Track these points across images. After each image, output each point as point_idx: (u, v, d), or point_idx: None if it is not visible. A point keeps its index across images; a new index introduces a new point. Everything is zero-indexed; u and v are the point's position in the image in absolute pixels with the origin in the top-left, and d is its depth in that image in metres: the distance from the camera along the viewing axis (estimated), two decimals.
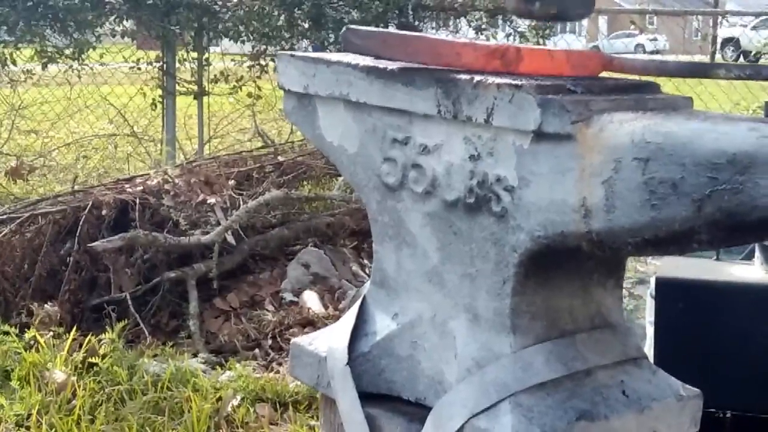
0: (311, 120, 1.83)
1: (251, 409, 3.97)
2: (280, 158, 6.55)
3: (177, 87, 8.23)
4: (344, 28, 1.71)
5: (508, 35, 8.49)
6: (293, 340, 1.90)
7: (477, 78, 1.53)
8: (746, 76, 1.56)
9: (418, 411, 1.66)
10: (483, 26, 8.40)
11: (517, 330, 1.54)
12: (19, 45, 7.84)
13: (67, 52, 7.93)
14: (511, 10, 1.71)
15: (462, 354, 1.60)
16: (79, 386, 3.95)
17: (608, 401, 1.54)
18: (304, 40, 8.14)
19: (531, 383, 1.51)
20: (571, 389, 1.53)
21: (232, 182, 5.77)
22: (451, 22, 9.04)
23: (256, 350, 4.81)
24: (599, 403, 1.53)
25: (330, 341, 1.78)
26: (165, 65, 8.22)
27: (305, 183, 6.53)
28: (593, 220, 1.40)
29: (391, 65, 1.67)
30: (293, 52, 1.88)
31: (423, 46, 1.64)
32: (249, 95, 8.30)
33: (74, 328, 4.43)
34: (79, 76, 8.36)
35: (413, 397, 1.69)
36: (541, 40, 8.38)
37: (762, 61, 13.89)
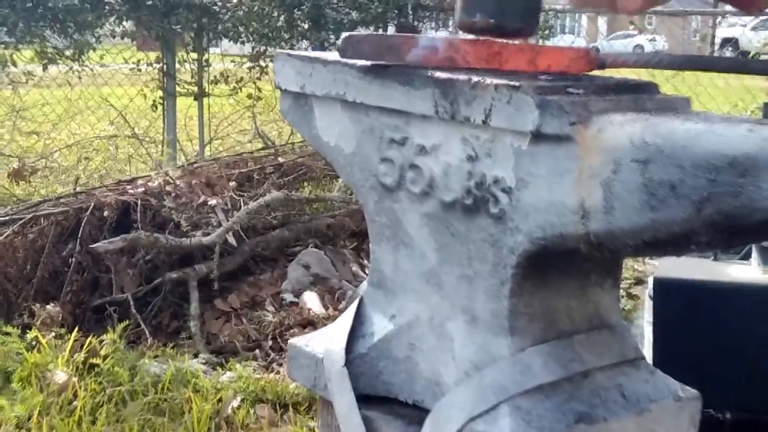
0: (308, 120, 1.82)
1: (251, 410, 3.97)
2: (281, 159, 6.55)
3: (177, 88, 8.23)
4: (344, 37, 1.70)
5: None
6: (290, 341, 1.89)
7: (475, 78, 1.52)
8: (738, 68, 1.55)
9: (416, 413, 1.65)
10: None
11: (515, 332, 1.54)
12: (19, 46, 7.85)
13: (67, 53, 7.94)
14: (458, 26, 1.75)
15: (460, 356, 1.59)
16: (80, 387, 3.95)
17: (607, 403, 1.54)
18: (304, 40, 8.14)
19: (529, 386, 1.50)
20: (569, 392, 1.52)
21: (232, 183, 5.78)
22: (450, 22, 9.04)
23: (257, 351, 4.81)
24: (598, 405, 1.53)
25: (327, 342, 1.77)
26: (165, 66, 8.22)
27: (305, 184, 6.53)
28: (592, 221, 1.39)
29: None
30: (290, 51, 1.87)
31: (405, 45, 1.64)
32: (249, 96, 8.30)
33: (76, 328, 4.43)
34: (80, 78, 8.36)
35: (411, 399, 1.68)
36: (541, 41, 8.37)
37: None
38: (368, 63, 1.71)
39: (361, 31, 8.14)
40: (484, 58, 1.58)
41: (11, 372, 4.14)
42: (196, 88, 8.25)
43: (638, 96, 1.51)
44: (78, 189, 5.87)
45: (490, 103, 1.49)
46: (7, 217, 5.30)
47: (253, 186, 6.01)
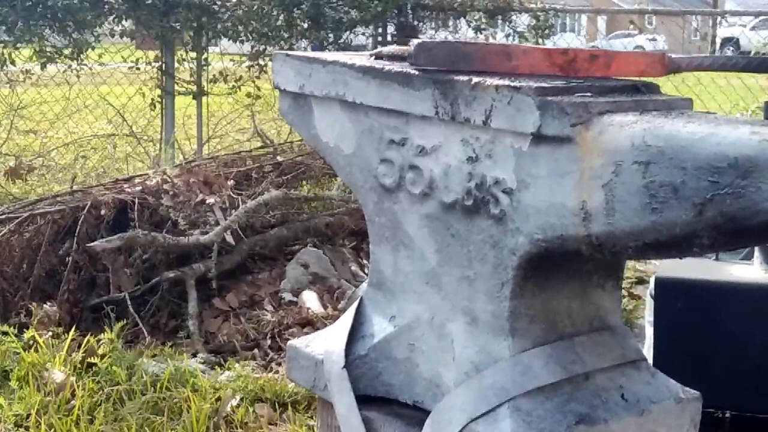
0: (307, 120, 1.82)
1: (250, 409, 3.96)
2: (279, 158, 6.54)
3: (176, 87, 8.22)
4: (416, 44, 1.67)
5: (507, 35, 8.48)
6: (290, 342, 1.89)
7: (475, 79, 1.52)
8: None
9: (416, 414, 1.65)
10: (482, 26, 8.39)
11: (515, 333, 1.54)
12: (18, 45, 7.83)
13: (66, 52, 7.92)
14: None
15: (460, 357, 1.59)
16: (78, 386, 3.94)
17: (607, 405, 1.54)
18: (303, 39, 8.13)
19: (530, 387, 1.50)
20: (569, 393, 1.52)
21: (231, 182, 5.76)
22: (450, 23, 9.03)
23: (255, 350, 4.80)
24: (598, 406, 1.53)
25: (327, 344, 1.77)
26: (164, 65, 8.21)
27: (304, 183, 6.51)
28: (593, 223, 1.39)
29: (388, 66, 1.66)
30: (289, 52, 1.87)
31: (494, 54, 1.61)
32: (248, 95, 8.29)
33: (73, 328, 4.41)
34: (78, 76, 8.35)
35: (411, 400, 1.68)
36: (540, 40, 8.36)
37: None
38: (367, 61, 1.71)
39: (359, 30, 8.14)
40: (558, 65, 1.56)
41: (9, 371, 4.13)
42: (194, 87, 8.24)
43: (640, 97, 1.50)
44: (75, 187, 5.85)
45: (490, 104, 1.49)
46: (4, 216, 5.28)
47: (252, 185, 5.99)
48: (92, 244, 4.93)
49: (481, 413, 1.51)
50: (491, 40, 7.59)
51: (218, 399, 4.00)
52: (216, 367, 4.45)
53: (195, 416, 3.80)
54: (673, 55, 1.59)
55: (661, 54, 1.58)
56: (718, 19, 14.32)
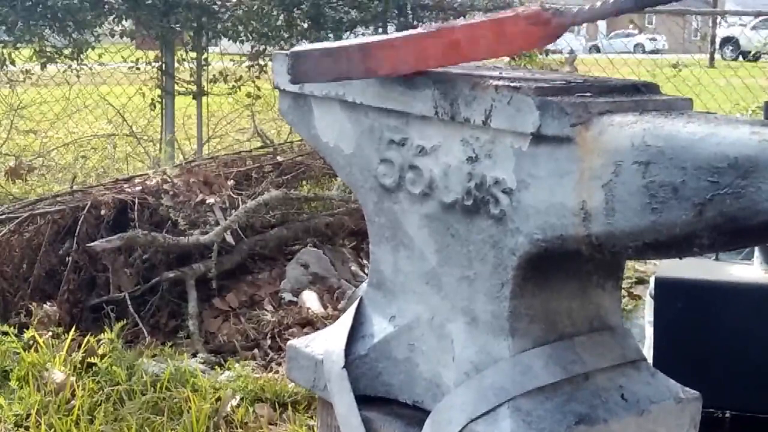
0: (307, 120, 1.82)
1: (250, 409, 3.96)
2: (279, 158, 6.54)
3: (176, 87, 8.23)
4: (289, 54, 1.67)
5: None
6: (290, 342, 1.89)
7: (475, 79, 1.52)
8: None
9: (416, 414, 1.65)
10: None
11: (515, 333, 1.54)
12: (18, 45, 7.84)
13: (66, 52, 7.93)
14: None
15: (460, 357, 1.59)
16: (78, 386, 3.94)
17: (607, 405, 1.54)
18: (303, 40, 8.13)
19: (530, 387, 1.50)
20: (569, 393, 1.52)
21: (231, 182, 5.76)
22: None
23: (255, 350, 4.80)
24: (598, 406, 1.53)
25: (326, 344, 1.77)
26: (164, 65, 8.21)
27: (304, 183, 6.51)
28: (593, 223, 1.39)
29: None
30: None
31: (373, 51, 1.60)
32: (248, 95, 8.29)
33: (73, 328, 4.42)
34: (78, 76, 8.36)
35: (410, 400, 1.68)
36: None
37: (761, 61, 13.93)
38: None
39: (359, 30, 8.14)
40: (439, 54, 1.54)
41: (9, 371, 4.13)
42: (194, 87, 8.25)
43: (639, 97, 1.50)
44: (75, 187, 5.85)
45: (490, 104, 1.49)
46: (4, 216, 5.28)
47: (252, 185, 6.00)
48: (92, 244, 4.93)
49: (481, 413, 1.51)
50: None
51: (218, 399, 4.00)
52: (216, 367, 4.45)
53: (195, 416, 3.80)
54: (557, 6, 1.51)
55: (543, 14, 1.50)
56: (718, 18, 14.36)
